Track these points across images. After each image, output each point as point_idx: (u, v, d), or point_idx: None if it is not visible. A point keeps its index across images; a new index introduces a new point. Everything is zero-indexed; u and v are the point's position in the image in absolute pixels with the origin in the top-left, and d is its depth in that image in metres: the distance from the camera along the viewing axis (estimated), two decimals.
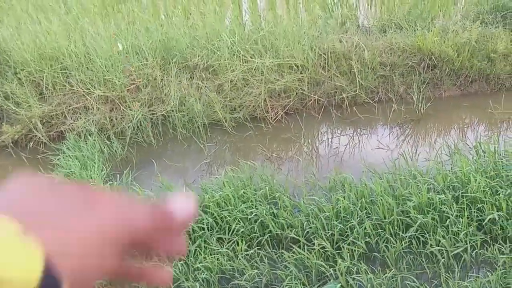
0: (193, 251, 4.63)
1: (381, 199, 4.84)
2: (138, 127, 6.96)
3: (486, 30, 8.19)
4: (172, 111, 7.12)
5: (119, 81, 7.19)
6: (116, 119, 7.04)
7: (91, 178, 5.48)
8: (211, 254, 4.56)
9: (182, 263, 4.47)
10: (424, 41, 7.88)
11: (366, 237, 4.62)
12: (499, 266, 4.18)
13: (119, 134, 6.94)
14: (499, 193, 4.79)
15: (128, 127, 6.87)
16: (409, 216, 4.71)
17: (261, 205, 4.96)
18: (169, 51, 7.85)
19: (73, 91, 7.25)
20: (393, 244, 4.52)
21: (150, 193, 5.30)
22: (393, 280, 4.22)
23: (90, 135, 6.62)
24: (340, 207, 4.86)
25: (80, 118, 6.96)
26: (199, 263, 4.47)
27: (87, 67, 7.43)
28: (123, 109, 7.07)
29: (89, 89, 7.20)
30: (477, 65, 7.86)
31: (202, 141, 6.90)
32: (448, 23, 8.40)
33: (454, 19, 8.59)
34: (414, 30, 8.39)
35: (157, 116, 7.14)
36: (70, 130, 6.82)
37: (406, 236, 4.58)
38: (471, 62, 7.88)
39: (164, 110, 7.13)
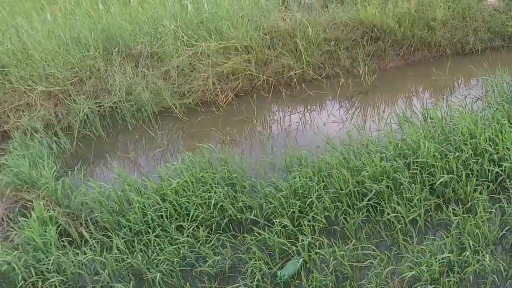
0: (153, 241, 4.56)
1: (337, 172, 4.91)
2: (85, 120, 6.76)
3: None
4: (120, 101, 6.94)
5: (61, 74, 6.95)
6: (61, 114, 6.81)
7: (41, 176, 5.29)
8: (171, 244, 4.50)
9: (142, 253, 4.40)
10: (365, 14, 7.98)
11: (325, 212, 4.69)
12: (453, 228, 4.32)
13: (67, 129, 6.72)
14: (449, 157, 4.94)
15: (75, 121, 6.66)
16: (364, 186, 4.80)
17: (219, 189, 4.94)
18: (111, 40, 7.62)
19: (13, 88, 6.95)
20: (352, 215, 4.60)
21: (106, 186, 5.17)
22: (354, 251, 4.30)
23: (36, 132, 6.38)
24: (297, 184, 4.89)
25: (24, 115, 6.69)
26: (160, 251, 4.41)
27: (26, 63, 7.13)
28: (68, 103, 6.85)
29: (30, 86, 6.92)
30: (418, 34, 8.04)
31: (154, 129, 6.78)
32: None
33: None
34: (355, 4, 8.48)
35: (104, 108, 6.95)
36: (15, 129, 6.55)
37: (363, 206, 4.67)
38: (412, 32, 8.06)
39: (111, 101, 6.95)
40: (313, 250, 4.30)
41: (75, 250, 4.51)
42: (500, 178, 4.84)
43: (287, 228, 4.55)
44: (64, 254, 4.44)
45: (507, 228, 4.29)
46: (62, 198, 5.12)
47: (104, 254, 4.39)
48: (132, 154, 6.38)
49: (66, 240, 4.65)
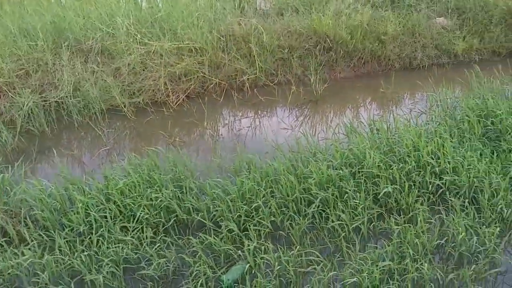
0: (96, 242, 4.44)
1: (284, 178, 4.94)
2: (29, 115, 6.53)
3: (377, 13, 8.60)
4: (66, 97, 6.75)
5: (7, 66, 6.68)
6: (4, 107, 6.55)
7: None
8: (114, 244, 4.39)
9: (85, 254, 4.27)
10: (319, 24, 8.11)
11: (272, 217, 4.70)
12: (394, 237, 4.43)
13: (9, 122, 6.46)
14: (393, 167, 5.07)
15: (19, 115, 6.42)
16: (311, 193, 4.85)
17: (166, 190, 4.87)
18: (60, 34, 7.41)
19: None
20: (297, 221, 4.64)
21: (48, 184, 5.00)
22: (299, 257, 4.33)
23: None
24: (245, 188, 4.89)
25: None
26: (102, 253, 4.30)
27: None
28: (11, 96, 6.59)
29: None
30: (369, 47, 8.24)
31: (100, 127, 6.62)
32: (342, 6, 8.69)
33: (347, 2, 8.91)
34: (310, 13, 8.60)
35: (50, 103, 6.74)
36: None
37: (309, 213, 4.72)
38: (364, 44, 8.25)
39: (57, 97, 6.75)
40: (258, 255, 4.31)
41: (13, 250, 4.33)
42: (441, 190, 5.00)
43: (233, 233, 4.54)
44: (1, 254, 4.25)
45: (445, 238, 4.43)
46: (1, 194, 4.91)
47: (44, 255, 4.23)
48: (76, 152, 6.21)
49: (3, 239, 4.46)
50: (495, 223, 4.63)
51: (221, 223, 4.59)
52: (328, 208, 4.79)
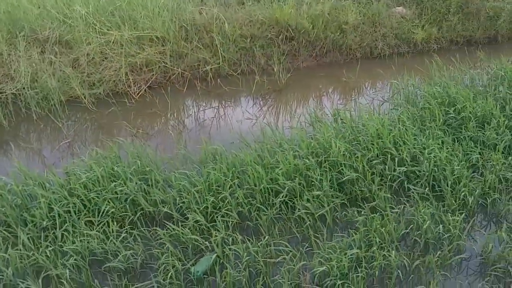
0: (60, 236, 4.33)
1: (251, 169, 4.93)
2: None
3: (338, 3, 8.65)
4: (23, 88, 6.53)
5: None
6: None
7: None
8: (80, 238, 4.30)
9: (50, 249, 4.16)
10: (281, 13, 8.10)
11: (239, 207, 4.69)
12: (360, 225, 4.50)
13: None
14: (357, 156, 5.13)
15: None
16: (278, 183, 4.86)
17: (131, 183, 4.79)
18: (15, 23, 7.14)
19: None
20: (265, 212, 4.65)
21: (7, 179, 4.83)
22: (267, 247, 4.35)
23: None
24: (212, 179, 4.86)
25: None
26: (67, 247, 4.20)
27: None
28: None
29: None
30: (331, 36, 8.30)
31: (60, 119, 6.44)
32: None
33: None
34: (271, 3, 8.58)
35: (6, 95, 6.51)
36: None
37: (276, 203, 4.73)
38: (325, 34, 8.30)
39: (14, 88, 6.52)
40: (226, 246, 4.29)
41: None
42: (401, 179, 5.09)
43: (200, 224, 4.50)
44: None
45: (410, 226, 4.52)
46: None
47: (8, 251, 4.10)
48: (36, 145, 6.02)
49: None
50: (459, 210, 4.76)
51: (189, 214, 4.55)
52: (295, 197, 4.81)
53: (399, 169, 5.06)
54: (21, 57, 6.70)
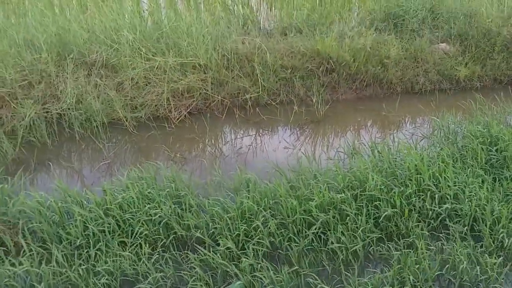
0: (93, 255, 4.40)
1: (284, 200, 4.91)
2: (31, 126, 6.51)
3: (380, 37, 8.64)
4: (68, 109, 6.75)
5: (10, 76, 6.69)
6: (6, 117, 6.54)
7: None
8: (112, 258, 4.35)
9: (83, 268, 4.23)
10: (322, 46, 8.15)
11: (270, 237, 4.67)
12: (394, 261, 4.40)
13: (10, 133, 6.44)
14: (394, 191, 5.05)
15: (20, 125, 6.41)
16: (311, 215, 4.82)
17: (165, 206, 4.84)
18: (65, 46, 7.43)
19: None
20: (297, 243, 4.61)
21: (47, 196, 4.96)
22: (295, 277, 4.29)
23: None
24: (245, 207, 4.87)
25: None
26: (100, 267, 4.26)
27: None
28: (14, 107, 6.59)
29: None
30: (372, 70, 8.27)
31: (101, 141, 6.61)
32: (345, 29, 8.75)
33: (350, 25, 8.97)
34: (313, 35, 8.65)
35: (52, 115, 6.73)
36: None
37: (309, 234, 4.69)
38: (366, 67, 8.28)
39: (59, 108, 6.74)
40: (254, 274, 4.26)
41: (11, 260, 4.29)
42: (441, 216, 4.97)
43: (231, 250, 4.50)
44: None
45: (446, 266, 4.39)
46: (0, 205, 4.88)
47: (42, 266, 4.19)
48: (76, 164, 6.19)
49: (1, 248, 4.42)
50: (497, 252, 4.60)
51: (220, 241, 4.55)
52: (329, 230, 4.75)
53: (442, 207, 4.94)
54: (68, 78, 6.95)
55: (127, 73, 7.19)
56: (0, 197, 4.92)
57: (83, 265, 4.30)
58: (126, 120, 6.87)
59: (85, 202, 4.98)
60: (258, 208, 4.86)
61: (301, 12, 9.48)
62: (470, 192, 5.10)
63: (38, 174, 5.95)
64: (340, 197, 4.96)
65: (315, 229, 4.70)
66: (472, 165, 5.62)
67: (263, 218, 4.77)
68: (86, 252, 4.45)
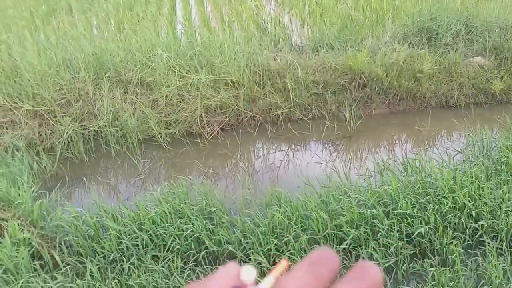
0: (127, 269, 4.50)
1: (316, 214, 4.92)
2: (69, 142, 6.73)
3: (413, 51, 8.58)
4: (105, 126, 6.94)
5: (49, 95, 6.94)
6: (45, 134, 6.78)
7: (19, 195, 5.21)
8: (145, 272, 4.44)
9: (116, 281, 4.33)
10: (354, 61, 8.15)
11: (302, 252, 4.67)
12: (428, 278, 4.34)
13: (49, 149, 6.68)
14: (428, 209, 4.98)
15: (58, 142, 6.63)
16: (342, 230, 4.81)
17: (197, 221, 4.91)
18: (102, 65, 7.67)
19: None
20: None
21: (83, 211, 5.11)
22: None
23: (17, 150, 6.32)
24: (276, 222, 4.89)
25: (7, 132, 6.64)
26: (133, 280, 4.35)
27: (14, 81, 7.13)
28: (53, 124, 6.82)
29: (16, 103, 6.90)
30: (405, 84, 8.22)
31: (136, 156, 6.76)
32: (377, 44, 8.74)
33: (383, 41, 8.95)
34: (345, 50, 8.66)
35: (89, 132, 6.94)
36: None
37: (340, 250, 4.67)
38: (399, 82, 8.23)
39: (96, 125, 6.95)
40: None
41: (45, 275, 4.42)
42: (478, 233, 4.87)
43: (262, 265, 4.52)
44: (35, 277, 4.34)
45: (482, 282, 4.31)
46: (38, 219, 5.04)
47: (76, 280, 4.30)
48: (112, 180, 6.34)
49: (38, 263, 4.56)
50: None
51: (252, 255, 4.59)
52: (360, 246, 4.73)
53: (478, 224, 4.86)
54: (105, 96, 7.16)
55: (162, 90, 7.36)
56: (39, 212, 5.09)
57: (117, 278, 4.40)
58: (160, 137, 7.01)
59: (120, 216, 5.10)
60: (289, 222, 4.87)
61: (332, 28, 9.51)
62: (507, 208, 4.99)
63: (76, 189, 6.12)
64: (371, 212, 4.94)
65: (346, 244, 4.68)
66: (507, 181, 5.50)
67: (294, 233, 4.78)
68: (120, 265, 4.55)
